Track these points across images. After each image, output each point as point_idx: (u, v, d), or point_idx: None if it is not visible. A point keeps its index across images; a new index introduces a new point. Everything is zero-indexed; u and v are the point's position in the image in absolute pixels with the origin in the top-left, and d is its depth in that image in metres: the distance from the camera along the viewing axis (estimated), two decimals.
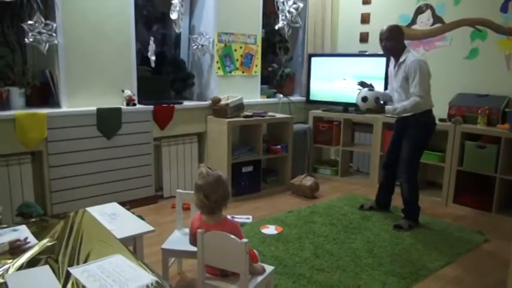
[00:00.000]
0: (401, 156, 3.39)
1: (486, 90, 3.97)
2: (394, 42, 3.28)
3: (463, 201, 3.90)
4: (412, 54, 3.24)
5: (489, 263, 2.88)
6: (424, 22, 4.45)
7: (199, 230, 1.91)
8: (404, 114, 3.35)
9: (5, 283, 1.44)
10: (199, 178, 1.93)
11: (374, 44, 4.85)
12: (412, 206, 3.44)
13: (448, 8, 4.25)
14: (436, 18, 4.35)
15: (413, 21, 4.53)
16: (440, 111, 4.04)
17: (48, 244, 1.75)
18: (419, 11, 4.48)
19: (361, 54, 4.77)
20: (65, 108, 3.33)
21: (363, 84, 3.59)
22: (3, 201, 3.03)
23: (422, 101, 3.18)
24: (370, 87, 3.50)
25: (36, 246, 1.73)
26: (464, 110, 3.91)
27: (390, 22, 4.62)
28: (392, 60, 3.45)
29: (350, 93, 4.66)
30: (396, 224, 3.41)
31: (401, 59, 3.28)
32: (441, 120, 4.00)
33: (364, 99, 3.39)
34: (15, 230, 1.89)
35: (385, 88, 3.96)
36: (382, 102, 3.48)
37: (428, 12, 4.40)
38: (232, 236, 1.83)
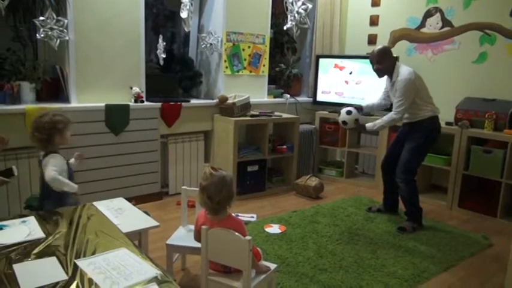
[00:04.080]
0: (401, 157, 3.41)
1: (494, 94, 3.95)
2: (385, 63, 3.34)
3: (468, 205, 3.89)
4: (402, 73, 3.28)
5: (492, 267, 2.88)
6: (433, 25, 4.44)
7: (203, 226, 1.93)
8: (409, 120, 3.39)
9: (13, 273, 1.47)
10: (203, 179, 1.94)
11: None
12: (412, 208, 3.45)
13: (457, 11, 4.24)
14: (445, 22, 4.34)
15: (422, 24, 4.52)
16: (447, 114, 4.04)
17: (55, 237, 1.78)
18: (428, 14, 4.47)
19: (369, 56, 4.75)
20: (74, 104, 3.37)
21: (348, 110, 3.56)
22: (12, 194, 3.08)
23: (398, 117, 3.32)
24: (349, 108, 3.48)
25: (43, 238, 1.76)
26: (471, 114, 3.90)
27: (399, 25, 4.70)
28: (386, 77, 3.49)
29: (357, 94, 4.68)
30: (400, 226, 3.41)
31: (394, 78, 3.34)
32: (448, 123, 4.00)
33: (344, 123, 3.49)
34: (23, 222, 1.93)
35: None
36: (360, 121, 3.50)
37: (438, 15, 4.40)
38: (236, 233, 1.85)
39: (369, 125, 3.45)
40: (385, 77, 3.47)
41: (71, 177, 2.34)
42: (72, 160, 2.46)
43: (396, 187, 3.52)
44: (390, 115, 3.35)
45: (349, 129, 3.65)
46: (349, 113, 3.44)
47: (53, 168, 2.19)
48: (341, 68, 4.81)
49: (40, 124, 2.24)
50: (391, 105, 3.45)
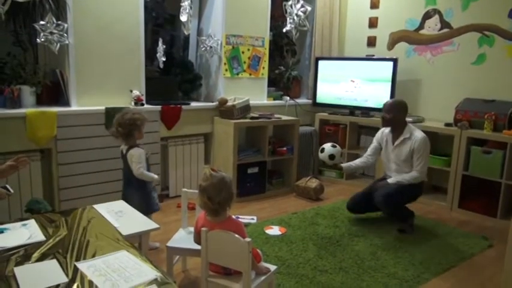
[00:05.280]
0: (388, 186, 3.36)
1: (493, 95, 3.96)
2: (393, 115, 3.35)
3: (468, 206, 3.89)
4: (418, 134, 3.34)
5: (492, 268, 2.88)
6: (432, 27, 4.45)
7: (203, 228, 1.94)
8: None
9: (14, 276, 1.48)
10: (203, 180, 1.96)
11: (381, 48, 4.88)
12: (396, 212, 3.41)
13: (456, 13, 4.26)
14: (444, 23, 4.36)
15: (421, 25, 4.53)
16: (446, 115, 4.05)
17: (56, 240, 1.79)
18: (427, 15, 4.49)
19: (368, 58, 4.77)
20: (74, 107, 3.38)
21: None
22: (12, 197, 3.08)
23: (420, 176, 3.34)
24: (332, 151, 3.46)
25: (44, 241, 1.77)
26: (470, 115, 3.91)
27: (398, 27, 4.71)
28: (386, 132, 3.49)
29: (356, 96, 4.70)
30: (398, 229, 3.41)
31: (406, 135, 3.36)
32: (447, 124, 4.01)
33: (331, 157, 3.43)
34: (24, 225, 1.94)
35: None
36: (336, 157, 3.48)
37: (436, 17, 4.41)
38: (236, 235, 1.86)
39: (391, 180, 3.41)
40: (381, 131, 3.51)
41: (148, 165, 2.80)
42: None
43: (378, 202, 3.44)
44: (414, 174, 3.32)
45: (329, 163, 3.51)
46: (331, 157, 3.42)
47: (139, 165, 2.71)
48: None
49: (122, 120, 2.69)
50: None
